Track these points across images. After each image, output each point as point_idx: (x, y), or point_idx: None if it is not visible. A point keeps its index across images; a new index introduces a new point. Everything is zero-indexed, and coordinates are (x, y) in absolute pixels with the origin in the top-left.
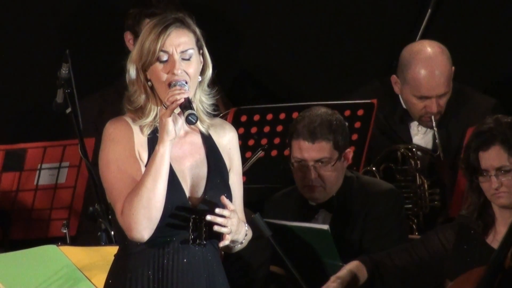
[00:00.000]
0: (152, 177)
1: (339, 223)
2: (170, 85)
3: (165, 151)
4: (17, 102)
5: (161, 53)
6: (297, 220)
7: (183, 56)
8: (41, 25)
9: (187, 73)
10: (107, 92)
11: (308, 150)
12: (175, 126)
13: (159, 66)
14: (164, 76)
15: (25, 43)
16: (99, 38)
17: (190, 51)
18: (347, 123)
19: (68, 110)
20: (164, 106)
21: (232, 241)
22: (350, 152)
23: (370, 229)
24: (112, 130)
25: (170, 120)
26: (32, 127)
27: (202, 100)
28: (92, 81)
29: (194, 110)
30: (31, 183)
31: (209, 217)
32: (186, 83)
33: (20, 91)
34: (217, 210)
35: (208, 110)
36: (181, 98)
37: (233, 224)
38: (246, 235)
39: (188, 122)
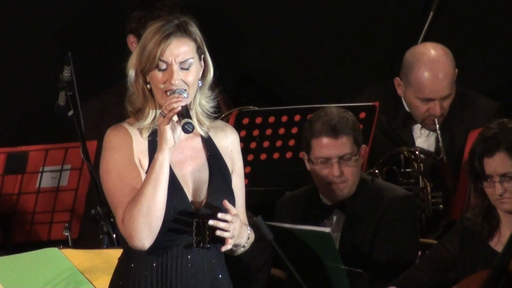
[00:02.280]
0: (152, 185)
1: (352, 224)
2: (167, 92)
3: (164, 159)
4: (19, 104)
5: (160, 62)
6: (311, 220)
7: (182, 66)
8: (43, 27)
9: (185, 82)
10: (109, 95)
11: (331, 147)
12: (174, 134)
13: (158, 74)
14: (162, 85)
15: (27, 46)
16: (101, 41)
17: (190, 61)
18: None
19: (70, 113)
20: (162, 114)
21: (235, 245)
22: (365, 148)
23: (382, 232)
24: (112, 138)
25: (168, 128)
26: (34, 130)
27: (202, 103)
28: (94, 83)
29: (191, 118)
30: (33, 185)
31: (211, 222)
32: (185, 90)
33: (22, 94)
34: (219, 215)
35: (208, 112)
36: (178, 107)
37: (235, 229)
38: (248, 238)
39: (184, 131)
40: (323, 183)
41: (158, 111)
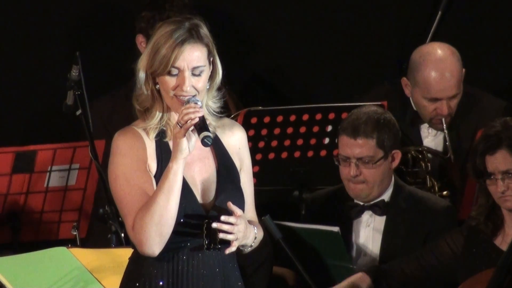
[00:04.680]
0: (165, 193)
1: (393, 229)
2: (176, 96)
3: (178, 168)
4: (27, 104)
5: (172, 68)
6: (342, 218)
7: (194, 72)
8: (51, 27)
9: (195, 88)
10: (117, 94)
11: (350, 147)
12: (188, 143)
13: (169, 79)
14: (173, 91)
15: (35, 45)
16: (109, 40)
17: (202, 67)
18: None
19: (78, 112)
20: (178, 124)
21: (241, 245)
22: (397, 153)
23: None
24: (119, 143)
25: (184, 140)
26: (42, 129)
27: (209, 104)
28: (102, 83)
29: (209, 130)
30: (41, 185)
31: (215, 225)
32: (196, 96)
33: (30, 93)
34: (223, 218)
35: (214, 112)
36: (195, 117)
37: (239, 231)
38: (255, 238)
39: (204, 144)
40: (344, 180)
41: (166, 114)
